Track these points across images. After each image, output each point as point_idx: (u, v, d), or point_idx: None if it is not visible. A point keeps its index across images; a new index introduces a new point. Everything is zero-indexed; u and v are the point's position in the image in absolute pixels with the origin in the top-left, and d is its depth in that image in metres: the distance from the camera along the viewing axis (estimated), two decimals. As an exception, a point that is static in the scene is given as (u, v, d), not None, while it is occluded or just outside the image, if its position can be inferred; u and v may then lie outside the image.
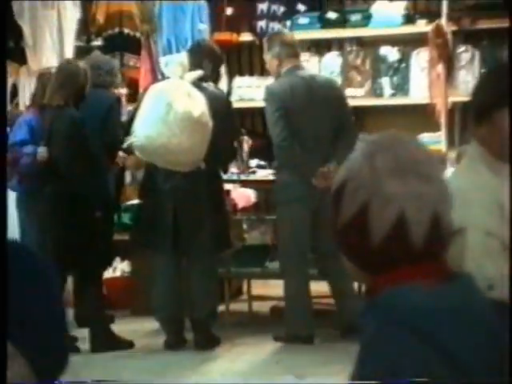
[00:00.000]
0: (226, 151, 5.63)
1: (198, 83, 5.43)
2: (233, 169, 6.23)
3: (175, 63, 5.58)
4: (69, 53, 7.00)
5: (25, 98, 7.15)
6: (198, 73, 5.47)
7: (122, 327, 5.78)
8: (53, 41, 7.04)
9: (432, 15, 6.51)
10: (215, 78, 5.76)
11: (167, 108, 5.17)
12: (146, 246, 5.67)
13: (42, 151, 5.37)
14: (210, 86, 5.55)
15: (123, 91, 6.64)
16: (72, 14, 7.03)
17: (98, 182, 5.48)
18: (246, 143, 6.31)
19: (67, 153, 5.31)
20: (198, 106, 5.25)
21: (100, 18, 7.00)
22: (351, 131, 5.34)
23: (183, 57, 5.73)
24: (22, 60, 7.04)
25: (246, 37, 7.10)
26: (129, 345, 5.61)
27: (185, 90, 5.27)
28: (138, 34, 7.08)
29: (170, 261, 5.54)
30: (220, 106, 5.44)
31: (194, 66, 5.54)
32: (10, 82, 7.10)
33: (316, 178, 5.33)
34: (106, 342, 5.51)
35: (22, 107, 7.11)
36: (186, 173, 5.32)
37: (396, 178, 1.38)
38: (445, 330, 1.33)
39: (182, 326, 5.61)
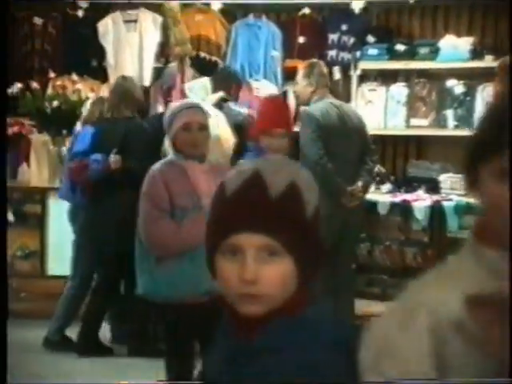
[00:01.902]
0: None
1: (219, 104, 5.86)
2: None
3: (198, 87, 6.11)
4: (147, 73, 7.37)
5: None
6: (220, 94, 5.92)
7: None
8: (133, 61, 7.42)
9: (499, 51, 6.67)
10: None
11: None
12: None
13: (116, 159, 5.52)
14: (233, 105, 6.02)
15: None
16: (153, 37, 7.41)
17: None
18: None
19: (144, 161, 5.53)
20: (216, 124, 5.61)
21: (179, 41, 7.34)
22: (373, 156, 5.83)
23: (206, 81, 6.28)
24: (104, 78, 7.44)
25: (316, 65, 7.34)
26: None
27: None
28: (213, 58, 7.41)
29: None
30: (245, 124, 5.86)
31: (219, 89, 6.02)
32: (92, 97, 7.49)
33: (345, 197, 5.59)
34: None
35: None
36: None
37: None
38: None
39: None
